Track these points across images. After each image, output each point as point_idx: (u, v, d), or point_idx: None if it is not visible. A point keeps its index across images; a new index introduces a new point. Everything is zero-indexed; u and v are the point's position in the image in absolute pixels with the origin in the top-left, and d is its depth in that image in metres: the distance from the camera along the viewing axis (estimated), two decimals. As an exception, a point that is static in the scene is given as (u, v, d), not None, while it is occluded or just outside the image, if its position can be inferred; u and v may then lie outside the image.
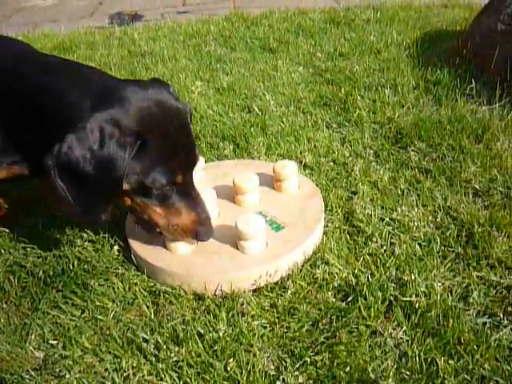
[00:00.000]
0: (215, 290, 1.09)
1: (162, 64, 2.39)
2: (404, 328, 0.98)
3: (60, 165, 0.94)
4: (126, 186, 1.00)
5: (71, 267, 1.19)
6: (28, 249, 1.26)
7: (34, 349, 1.02)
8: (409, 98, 1.85)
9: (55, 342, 1.03)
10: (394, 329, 0.99)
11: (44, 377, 0.96)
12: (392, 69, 2.09)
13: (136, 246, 1.19)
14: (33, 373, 0.97)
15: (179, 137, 1.02)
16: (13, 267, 1.21)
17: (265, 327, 1.02)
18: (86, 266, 1.19)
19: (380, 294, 1.05)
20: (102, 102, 0.97)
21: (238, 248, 1.14)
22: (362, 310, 1.02)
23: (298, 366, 0.93)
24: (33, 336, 1.04)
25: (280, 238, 1.17)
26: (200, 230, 1.08)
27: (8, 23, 3.67)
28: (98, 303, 1.10)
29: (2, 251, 1.27)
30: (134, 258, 1.19)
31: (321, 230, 1.22)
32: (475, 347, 0.92)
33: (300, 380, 0.90)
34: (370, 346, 0.96)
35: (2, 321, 1.08)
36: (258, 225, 1.11)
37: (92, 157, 0.93)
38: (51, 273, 1.18)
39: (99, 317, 1.06)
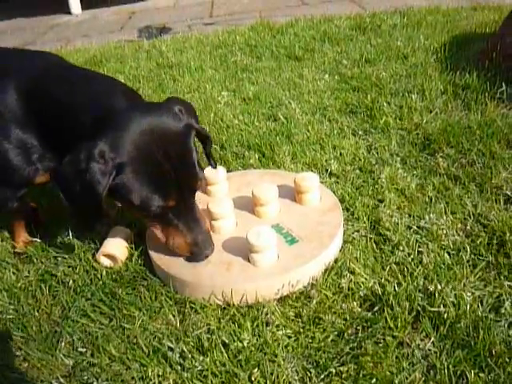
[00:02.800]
0: (223, 300, 1.10)
1: (189, 75, 2.43)
2: (432, 339, 0.96)
3: (59, 175, 1.06)
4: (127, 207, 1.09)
5: (99, 276, 1.22)
6: (59, 258, 1.29)
7: (64, 356, 1.04)
8: (437, 104, 1.82)
9: (84, 349, 1.05)
10: (421, 340, 0.96)
11: (72, 383, 0.98)
12: (419, 74, 2.06)
13: (154, 254, 1.21)
14: (62, 380, 0.99)
15: (170, 162, 1.04)
16: (44, 276, 1.25)
17: (289, 337, 1.01)
18: (113, 276, 1.22)
19: (407, 304, 1.02)
20: (100, 127, 1.03)
21: (249, 260, 1.14)
22: (389, 320, 1.00)
23: (322, 376, 0.92)
24: (63, 343, 1.07)
25: (292, 251, 1.16)
26: (195, 250, 1.12)
27: (43, 40, 3.80)
28: (125, 312, 1.11)
29: (35, 260, 1.31)
30: (154, 266, 1.21)
31: (337, 245, 1.20)
32: (507, 360, 0.89)
33: (325, 391, 0.89)
34: (396, 357, 0.94)
35: (34, 328, 1.11)
36: (268, 237, 1.10)
37: (79, 179, 1.01)
38: (80, 282, 1.21)
39: (126, 325, 1.08)
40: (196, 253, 1.13)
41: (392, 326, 0.99)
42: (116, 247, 1.25)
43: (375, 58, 2.32)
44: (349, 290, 1.09)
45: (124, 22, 4.00)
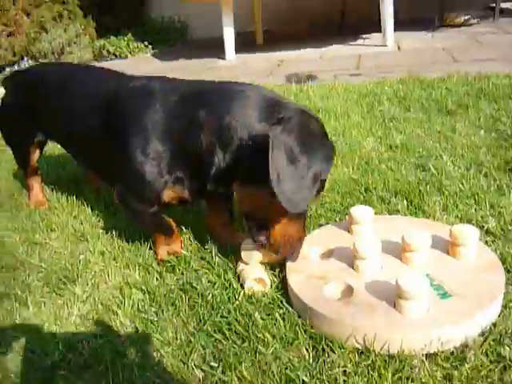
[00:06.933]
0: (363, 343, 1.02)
1: (335, 119, 2.45)
2: None
3: (277, 145, 1.06)
4: None
5: (236, 296, 1.22)
6: (200, 272, 1.33)
7: (195, 367, 1.05)
8: None
9: (215, 364, 1.04)
10: None
11: (203, 397, 0.97)
12: None
13: (295, 284, 1.18)
14: (193, 390, 0.99)
15: None
16: (185, 286, 1.29)
17: (436, 399, 0.90)
18: (251, 299, 1.21)
19: None
20: (286, 103, 1.19)
21: (395, 306, 1.06)
22: None
23: None
24: (195, 355, 1.08)
25: (444, 306, 1.05)
26: (297, 246, 1.23)
27: (198, 78, 4.15)
28: (259, 335, 1.09)
29: (177, 270, 1.36)
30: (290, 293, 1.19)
31: (497, 308, 1.07)
32: None
33: None
34: None
35: (171, 334, 1.14)
36: (421, 285, 1.02)
37: (305, 145, 1.10)
38: (218, 298, 1.22)
39: (260, 348, 1.05)
40: (298, 248, 1.24)
41: None
42: (264, 271, 1.25)
43: (541, 119, 2.12)
44: (511, 360, 0.95)
45: (272, 68, 4.23)
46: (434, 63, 3.61)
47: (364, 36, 5.11)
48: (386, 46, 4.47)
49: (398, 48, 4.39)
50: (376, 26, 4.62)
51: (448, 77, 2.96)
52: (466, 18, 5.05)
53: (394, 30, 4.52)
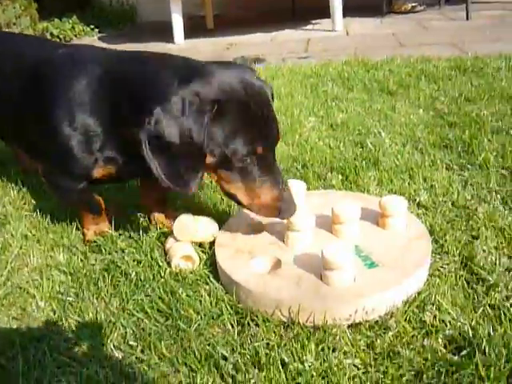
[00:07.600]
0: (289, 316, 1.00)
1: (279, 99, 2.42)
2: (534, 398, 0.79)
3: (150, 138, 1.01)
4: (209, 159, 1.05)
5: (162, 274, 1.17)
6: (126, 251, 1.27)
7: (115, 347, 0.99)
8: (547, 145, 1.64)
9: (135, 343, 0.99)
10: (520, 397, 0.80)
11: (117, 376, 0.92)
12: (527, 114, 1.88)
13: (221, 259, 1.15)
14: (109, 371, 0.93)
15: (258, 110, 1.06)
16: (109, 266, 1.23)
17: (358, 368, 0.89)
18: (177, 276, 1.16)
19: (504, 352, 0.87)
20: (187, 79, 1.05)
21: (321, 278, 1.04)
22: (480, 368, 0.84)
23: (394, 418, 0.78)
24: (115, 334, 1.02)
25: (370, 276, 1.04)
26: (282, 206, 1.09)
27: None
28: (182, 313, 1.05)
29: (103, 250, 1.30)
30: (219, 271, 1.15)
31: (422, 276, 1.07)
32: None
33: None
34: (487, 412, 0.78)
35: (91, 315, 1.08)
36: (346, 256, 1.00)
37: (176, 126, 1.00)
38: (143, 276, 1.17)
39: (182, 325, 1.01)
40: (283, 209, 1.09)
41: (483, 375, 0.84)
42: (192, 248, 1.21)
43: (476, 97, 2.17)
44: (432, 326, 0.95)
45: (221, 52, 4.15)
46: (380, 47, 3.64)
47: (314, 21, 5.10)
48: (335, 31, 4.48)
49: (347, 33, 4.41)
50: (326, 12, 4.62)
51: (391, 59, 2.98)
52: (413, 4, 5.13)
53: (344, 16, 4.54)
